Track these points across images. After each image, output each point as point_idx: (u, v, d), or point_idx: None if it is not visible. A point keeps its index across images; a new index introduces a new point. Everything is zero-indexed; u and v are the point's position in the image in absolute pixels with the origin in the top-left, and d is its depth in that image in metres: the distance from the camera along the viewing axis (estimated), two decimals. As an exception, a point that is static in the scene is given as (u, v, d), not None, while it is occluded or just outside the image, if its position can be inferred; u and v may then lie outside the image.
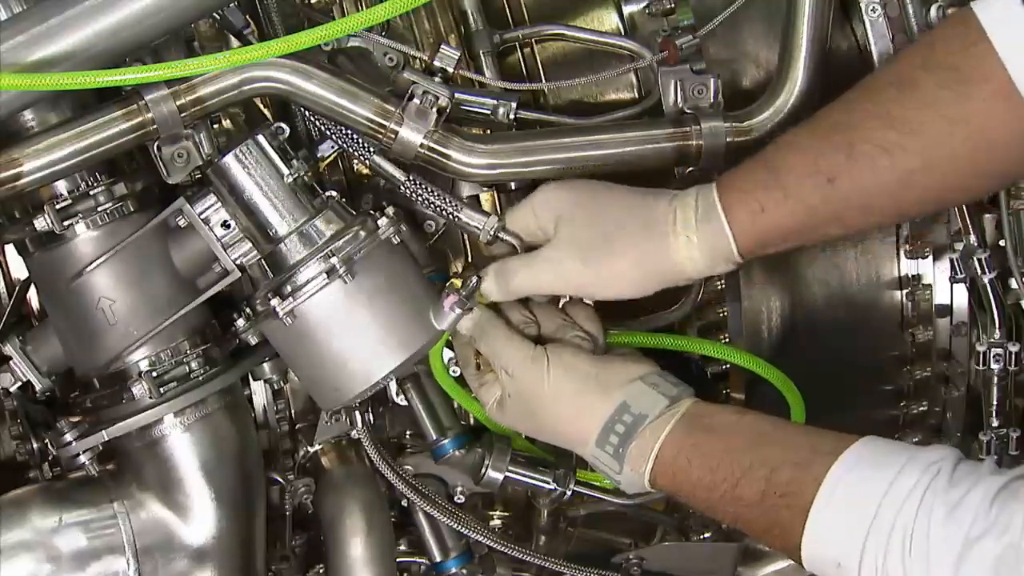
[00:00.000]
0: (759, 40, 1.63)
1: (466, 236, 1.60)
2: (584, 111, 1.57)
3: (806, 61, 1.46)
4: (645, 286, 1.34)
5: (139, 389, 1.40)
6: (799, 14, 1.45)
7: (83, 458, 1.43)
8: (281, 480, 1.65)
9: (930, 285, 1.73)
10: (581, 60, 1.62)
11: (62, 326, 1.45)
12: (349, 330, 1.34)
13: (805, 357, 1.70)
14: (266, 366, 1.58)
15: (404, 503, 1.67)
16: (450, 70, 1.43)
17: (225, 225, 1.37)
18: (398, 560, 1.72)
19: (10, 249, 1.60)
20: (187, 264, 1.40)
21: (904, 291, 1.73)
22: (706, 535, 1.78)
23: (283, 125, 1.38)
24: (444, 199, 1.44)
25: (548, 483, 1.58)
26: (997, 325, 1.67)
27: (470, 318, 1.36)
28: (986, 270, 1.65)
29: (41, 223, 1.35)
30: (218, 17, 1.40)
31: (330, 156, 1.50)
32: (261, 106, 1.55)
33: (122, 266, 1.39)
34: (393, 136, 1.39)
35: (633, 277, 1.32)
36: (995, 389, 1.69)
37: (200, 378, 1.44)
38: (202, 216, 1.37)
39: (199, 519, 1.44)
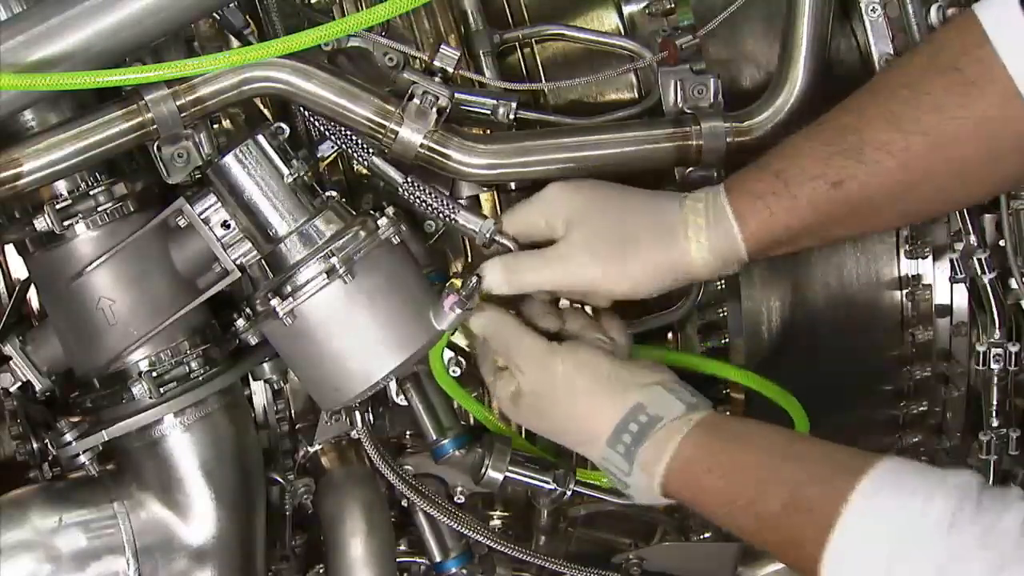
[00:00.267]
0: (759, 40, 1.63)
1: (466, 236, 1.60)
2: (584, 111, 1.57)
3: (806, 61, 1.46)
4: (654, 288, 1.34)
5: (139, 389, 1.40)
6: (799, 14, 1.45)
7: (83, 458, 1.43)
8: (281, 480, 1.65)
9: (930, 285, 1.73)
10: (581, 60, 1.62)
11: (62, 326, 1.45)
12: (349, 330, 1.34)
13: (805, 357, 1.70)
14: (266, 366, 1.58)
15: (404, 503, 1.67)
16: (450, 70, 1.43)
17: (225, 225, 1.37)
18: (398, 560, 1.72)
19: (10, 249, 1.60)
20: (187, 264, 1.40)
21: (904, 291, 1.72)
22: (706, 535, 1.78)
23: (283, 125, 1.38)
24: (442, 202, 1.44)
25: (548, 483, 1.58)
26: (997, 325, 1.67)
27: (480, 316, 1.35)
28: (986, 270, 1.65)
29: (41, 223, 1.35)
30: (218, 17, 1.40)
31: (330, 156, 1.50)
32: (261, 106, 1.55)
33: (122, 266, 1.39)
34: (393, 136, 1.39)
35: (644, 279, 1.32)
36: (995, 389, 1.69)
37: (200, 378, 1.44)
38: (202, 216, 1.37)
39: (199, 519, 1.44)
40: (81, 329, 1.41)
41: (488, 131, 1.49)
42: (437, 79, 1.41)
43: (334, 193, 1.41)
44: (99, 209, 1.38)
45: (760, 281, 1.65)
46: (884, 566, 1.05)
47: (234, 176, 1.35)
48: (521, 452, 1.60)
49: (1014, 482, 1.77)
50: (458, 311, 1.36)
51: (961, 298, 1.73)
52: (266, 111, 1.56)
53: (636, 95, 1.62)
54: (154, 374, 1.41)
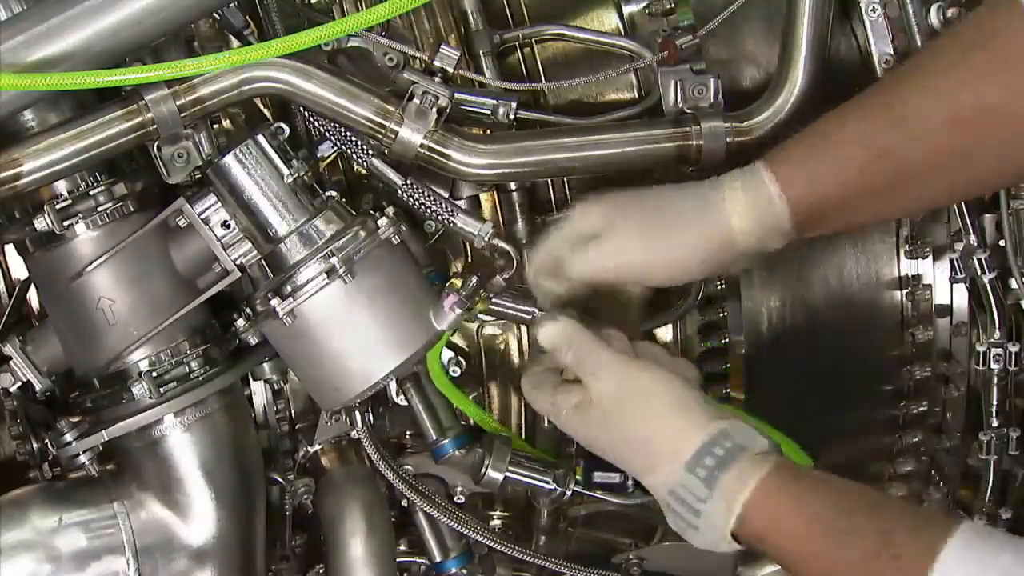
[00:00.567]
0: (759, 40, 1.63)
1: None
2: (584, 111, 1.57)
3: (806, 61, 1.46)
4: (699, 265, 1.29)
5: (139, 389, 1.40)
6: (799, 14, 1.45)
7: (83, 458, 1.43)
8: (281, 480, 1.65)
9: (930, 285, 1.73)
10: (581, 60, 1.62)
11: (62, 326, 1.45)
12: (349, 330, 1.34)
13: (805, 357, 1.70)
14: (266, 366, 1.58)
15: (404, 503, 1.67)
16: (450, 70, 1.43)
17: (225, 225, 1.37)
18: (398, 560, 1.72)
19: (10, 249, 1.60)
20: (187, 264, 1.40)
21: (904, 291, 1.72)
22: (706, 535, 1.77)
23: (283, 125, 1.38)
24: (440, 204, 1.45)
25: (548, 483, 1.58)
26: (997, 325, 1.67)
27: (553, 324, 1.28)
28: (986, 270, 1.65)
29: (41, 223, 1.35)
30: (218, 17, 1.40)
31: (330, 156, 1.50)
32: (261, 106, 1.55)
33: (122, 266, 1.39)
34: (393, 136, 1.39)
35: (689, 255, 1.28)
36: (995, 389, 1.69)
37: (200, 378, 1.44)
38: (202, 216, 1.37)
39: (199, 519, 1.44)
40: (81, 329, 1.41)
41: (488, 131, 1.49)
42: (437, 79, 1.41)
43: (334, 193, 1.41)
44: (99, 209, 1.38)
45: (760, 281, 1.65)
46: None
47: (234, 176, 1.35)
48: (521, 452, 1.60)
49: (1014, 482, 1.77)
50: (458, 311, 1.36)
51: (961, 298, 1.73)
52: (266, 111, 1.56)
53: (636, 95, 1.62)
54: (154, 374, 1.41)
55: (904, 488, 1.83)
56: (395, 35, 1.54)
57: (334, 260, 1.32)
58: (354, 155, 1.44)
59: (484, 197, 1.59)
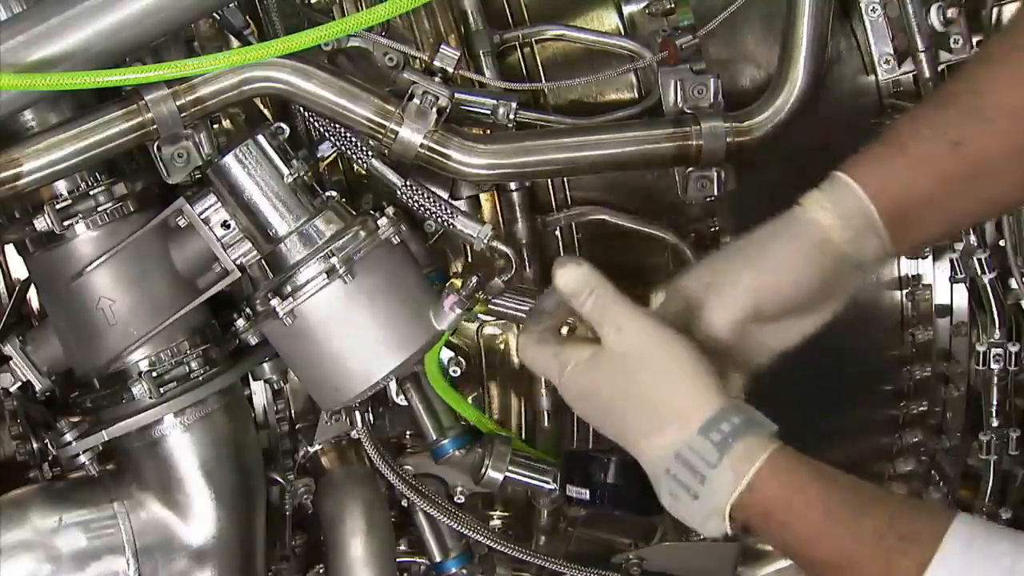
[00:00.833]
0: (759, 40, 1.63)
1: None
2: (584, 111, 1.57)
3: (806, 61, 1.46)
4: (815, 280, 1.23)
5: (139, 389, 1.40)
6: (799, 14, 1.45)
7: (83, 458, 1.43)
8: (281, 480, 1.65)
9: (930, 285, 1.73)
10: (581, 60, 1.62)
11: (62, 326, 1.45)
12: (349, 330, 1.34)
13: (805, 356, 1.70)
14: (266, 366, 1.58)
15: (404, 503, 1.67)
16: (450, 70, 1.43)
17: (225, 225, 1.37)
18: (398, 560, 1.72)
19: (10, 249, 1.60)
20: (187, 264, 1.40)
21: (904, 291, 1.73)
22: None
23: (283, 125, 1.38)
24: (440, 206, 1.45)
25: (548, 483, 1.58)
26: (997, 325, 1.67)
27: (574, 269, 1.19)
28: (986, 270, 1.65)
29: (41, 223, 1.35)
30: (218, 17, 1.40)
31: (330, 156, 1.50)
32: (261, 106, 1.55)
33: (122, 266, 1.39)
34: (393, 136, 1.39)
35: (800, 269, 1.22)
36: (995, 389, 1.69)
37: (200, 378, 1.44)
38: (202, 216, 1.37)
39: (199, 519, 1.44)
40: (81, 329, 1.41)
41: (488, 131, 1.49)
42: (437, 79, 1.41)
43: (334, 193, 1.41)
44: (99, 209, 1.38)
45: (760, 281, 1.65)
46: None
47: (234, 176, 1.35)
48: (521, 452, 1.60)
49: (1014, 482, 1.77)
50: (458, 311, 1.36)
51: (961, 298, 1.73)
52: (266, 111, 1.56)
53: (636, 95, 1.62)
54: (154, 374, 1.41)
55: (904, 488, 1.83)
56: (395, 35, 1.55)
57: (334, 260, 1.32)
58: (354, 156, 1.44)
59: (484, 197, 1.59)
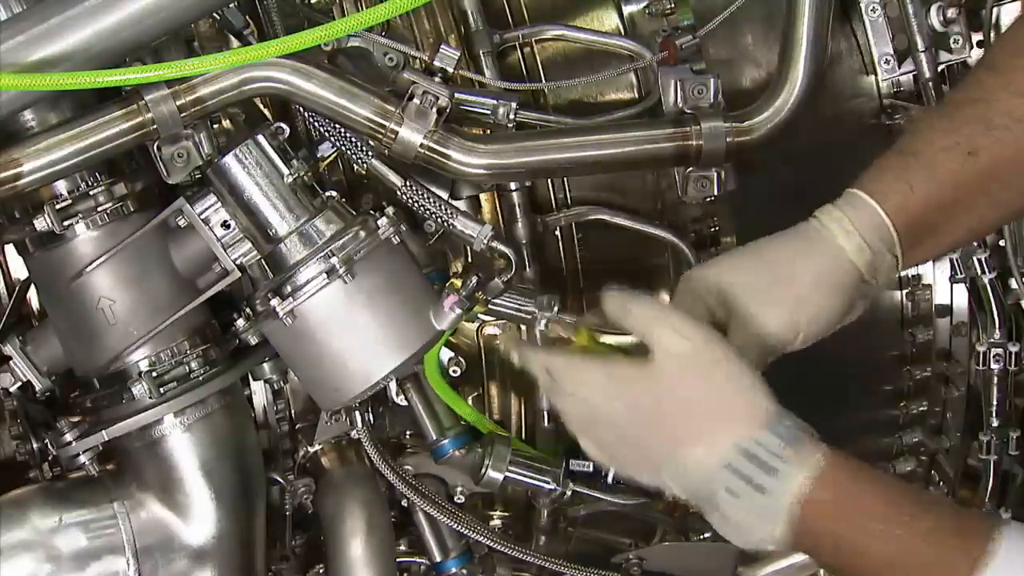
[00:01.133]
0: (759, 40, 1.63)
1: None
2: (584, 111, 1.57)
3: (806, 61, 1.45)
4: (835, 303, 1.23)
5: (139, 389, 1.40)
6: (799, 14, 1.45)
7: (83, 458, 1.43)
8: (281, 480, 1.65)
9: (930, 285, 1.73)
10: (581, 60, 1.62)
11: (62, 326, 1.45)
12: (349, 330, 1.34)
13: (804, 356, 1.70)
14: (266, 366, 1.58)
15: (404, 503, 1.67)
16: (450, 70, 1.43)
17: (225, 225, 1.37)
18: (398, 560, 1.72)
19: (10, 249, 1.60)
20: (187, 264, 1.40)
21: (904, 291, 1.73)
22: (706, 535, 1.78)
23: (283, 125, 1.38)
24: (439, 206, 1.45)
25: (548, 483, 1.58)
26: (997, 325, 1.67)
27: (622, 293, 1.17)
28: (986, 270, 1.65)
29: (41, 223, 1.35)
30: (218, 17, 1.40)
31: (330, 156, 1.50)
32: (261, 106, 1.55)
33: (122, 266, 1.39)
34: (393, 136, 1.39)
35: (821, 295, 1.22)
36: (995, 389, 1.69)
37: (200, 378, 1.44)
38: (202, 216, 1.37)
39: (199, 519, 1.44)
40: (81, 329, 1.41)
41: (488, 131, 1.49)
42: (437, 79, 1.41)
43: (334, 193, 1.41)
44: (99, 209, 1.38)
45: (760, 281, 1.65)
46: None
47: (234, 176, 1.35)
48: (521, 452, 1.60)
49: (1014, 482, 1.77)
50: (458, 311, 1.36)
51: (961, 298, 1.73)
52: (266, 111, 1.56)
53: (636, 95, 1.62)
54: (154, 374, 1.41)
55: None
56: (395, 35, 1.55)
57: (334, 260, 1.32)
58: (354, 156, 1.44)
59: (484, 197, 1.59)
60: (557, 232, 1.63)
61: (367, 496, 1.63)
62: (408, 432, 1.69)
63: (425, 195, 1.45)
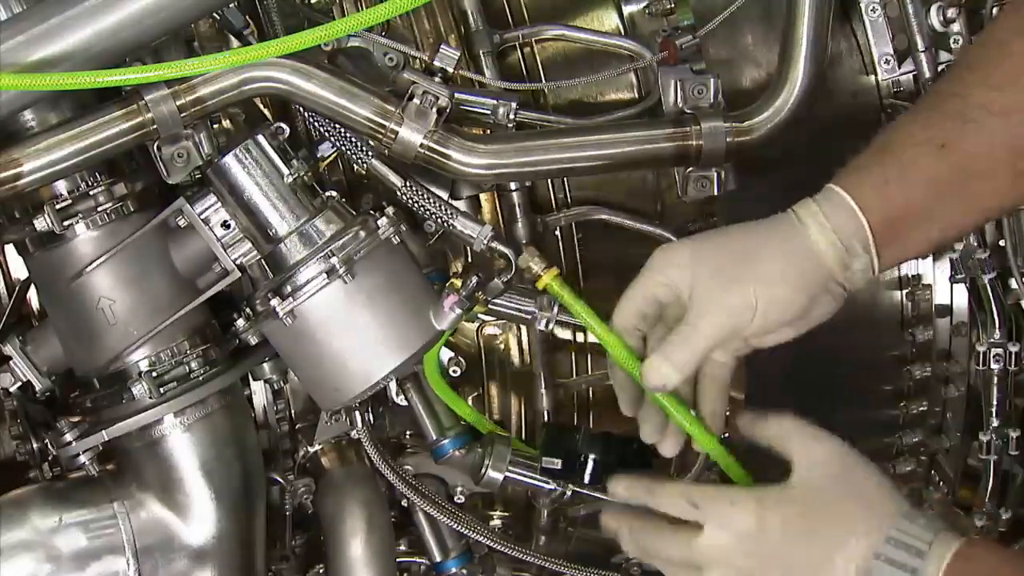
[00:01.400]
0: (759, 40, 1.63)
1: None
2: (584, 111, 1.57)
3: (806, 61, 1.45)
4: (800, 296, 1.22)
5: (139, 389, 1.40)
6: (799, 14, 1.45)
7: (83, 458, 1.43)
8: (281, 480, 1.65)
9: (930, 285, 1.73)
10: (581, 60, 1.62)
11: (62, 326, 1.45)
12: (349, 330, 1.34)
13: (805, 357, 1.70)
14: (266, 366, 1.58)
15: (404, 503, 1.67)
16: (450, 70, 1.43)
17: (225, 225, 1.37)
18: (398, 560, 1.72)
19: (10, 249, 1.61)
20: (187, 264, 1.40)
21: (904, 291, 1.72)
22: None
23: (283, 125, 1.38)
24: (439, 207, 1.45)
25: (548, 483, 1.58)
26: (997, 325, 1.67)
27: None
28: (986, 270, 1.65)
29: (41, 223, 1.35)
30: (218, 17, 1.40)
31: (330, 156, 1.50)
32: (261, 106, 1.55)
33: (122, 266, 1.39)
34: (393, 136, 1.39)
35: (786, 284, 1.21)
36: (995, 389, 1.69)
37: (200, 378, 1.44)
38: (202, 216, 1.37)
39: (199, 519, 1.44)
40: (81, 329, 1.41)
41: (488, 131, 1.49)
42: (437, 79, 1.41)
43: (334, 193, 1.41)
44: (99, 209, 1.38)
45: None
46: None
47: (234, 176, 1.35)
48: (521, 452, 1.60)
49: (1014, 482, 1.77)
50: (458, 311, 1.36)
51: (961, 298, 1.73)
52: (266, 111, 1.56)
53: (636, 95, 1.62)
54: (154, 374, 1.41)
55: (904, 488, 1.83)
56: (395, 35, 1.55)
57: (334, 260, 1.32)
58: (354, 156, 1.44)
59: (484, 197, 1.59)
60: (557, 232, 1.63)
61: (367, 496, 1.63)
62: (408, 432, 1.69)
63: (425, 195, 1.45)
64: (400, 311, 1.35)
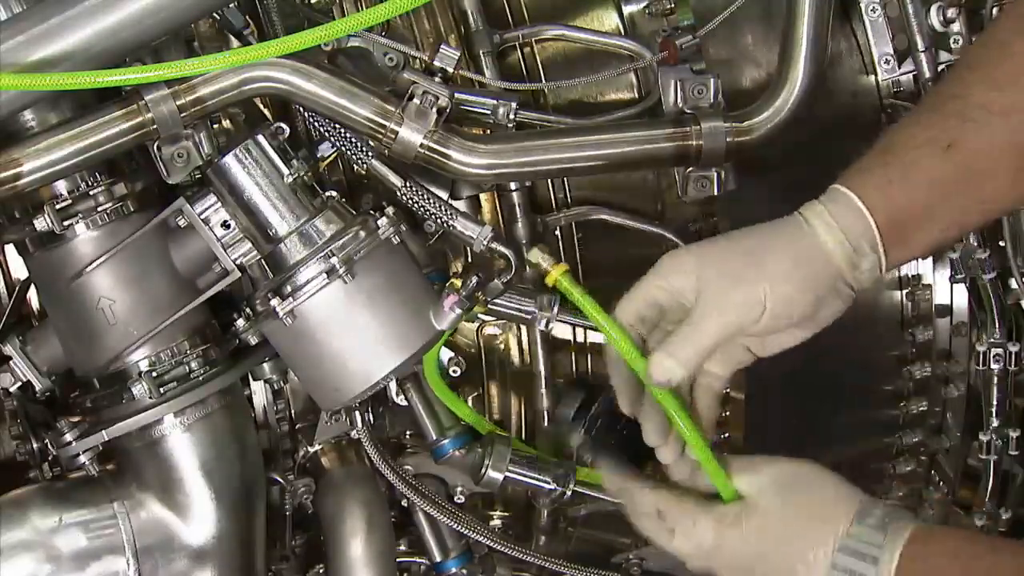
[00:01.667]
0: (759, 40, 1.63)
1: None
2: (584, 111, 1.57)
3: (806, 61, 1.45)
4: (807, 296, 1.22)
5: (139, 389, 1.40)
6: (799, 14, 1.45)
7: (83, 458, 1.43)
8: (281, 480, 1.65)
9: (930, 285, 1.73)
10: (581, 60, 1.62)
11: (62, 326, 1.45)
12: (349, 330, 1.34)
13: (805, 356, 1.70)
14: (266, 366, 1.58)
15: (404, 503, 1.67)
16: (450, 70, 1.43)
17: (225, 225, 1.37)
18: (398, 560, 1.72)
19: (10, 249, 1.60)
20: (187, 264, 1.40)
21: (904, 291, 1.73)
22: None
23: (283, 125, 1.38)
24: (439, 207, 1.45)
25: (548, 483, 1.58)
26: (997, 325, 1.67)
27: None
28: (986, 270, 1.65)
29: (41, 223, 1.35)
30: (218, 17, 1.40)
31: (330, 156, 1.50)
32: (261, 106, 1.55)
33: (122, 266, 1.39)
34: (393, 136, 1.39)
35: (794, 284, 1.21)
36: (995, 389, 1.69)
37: (200, 378, 1.44)
38: (202, 216, 1.37)
39: (199, 519, 1.44)
40: (81, 329, 1.41)
41: (488, 131, 1.49)
42: (437, 79, 1.41)
43: (334, 193, 1.41)
44: (99, 209, 1.38)
45: (760, 281, 1.65)
46: None
47: (234, 176, 1.35)
48: (521, 452, 1.60)
49: (1014, 482, 1.77)
50: (458, 311, 1.36)
51: (961, 298, 1.73)
52: (266, 111, 1.56)
53: (636, 95, 1.62)
54: (154, 374, 1.41)
55: (904, 488, 1.83)
56: (395, 35, 1.55)
57: (334, 260, 1.32)
58: (354, 156, 1.44)
59: (484, 197, 1.59)
60: (557, 232, 1.63)
61: (367, 496, 1.63)
62: (408, 432, 1.69)
63: (425, 196, 1.45)
64: (400, 311, 1.35)
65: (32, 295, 1.60)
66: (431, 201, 1.45)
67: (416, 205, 1.45)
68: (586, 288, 1.22)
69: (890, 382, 1.77)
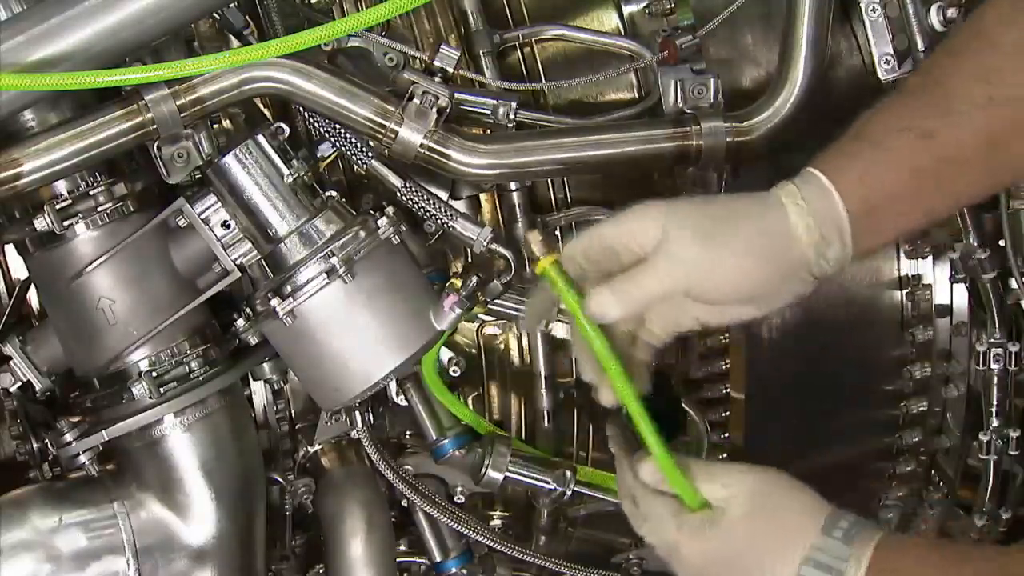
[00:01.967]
0: (759, 40, 1.63)
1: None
2: (584, 111, 1.57)
3: (806, 61, 1.46)
4: (766, 273, 1.19)
5: (139, 389, 1.40)
6: (799, 14, 1.45)
7: (83, 458, 1.43)
8: (281, 480, 1.65)
9: (930, 285, 1.73)
10: (581, 60, 1.62)
11: (62, 326, 1.45)
12: (349, 330, 1.34)
13: (805, 356, 1.70)
14: (266, 366, 1.58)
15: (404, 503, 1.67)
16: (450, 70, 1.43)
17: (225, 225, 1.37)
18: (398, 560, 1.72)
19: (10, 249, 1.61)
20: (187, 264, 1.40)
21: (904, 291, 1.72)
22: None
23: (283, 125, 1.39)
24: (439, 208, 1.45)
25: (548, 483, 1.58)
26: (997, 325, 1.67)
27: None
28: (986, 270, 1.65)
29: (41, 223, 1.35)
30: (218, 17, 1.40)
31: (330, 156, 1.50)
32: (261, 106, 1.56)
33: (122, 266, 1.39)
34: (393, 136, 1.39)
35: (755, 258, 1.19)
36: (995, 389, 1.69)
37: (200, 378, 1.44)
38: (202, 216, 1.37)
39: (199, 519, 1.44)
40: (81, 329, 1.41)
41: (488, 131, 1.49)
42: (437, 79, 1.41)
43: (334, 193, 1.41)
44: (99, 209, 1.38)
45: (760, 281, 1.65)
46: None
47: (234, 176, 1.35)
48: (521, 452, 1.60)
49: (1014, 482, 1.77)
50: (458, 311, 1.36)
51: (961, 298, 1.73)
52: (266, 111, 1.56)
53: (636, 95, 1.62)
54: (154, 374, 1.41)
55: (904, 488, 1.83)
56: (395, 35, 1.55)
57: (334, 260, 1.32)
58: (354, 156, 1.44)
59: (484, 198, 1.59)
60: (557, 232, 1.63)
61: (367, 496, 1.63)
62: (408, 432, 1.69)
63: (425, 196, 1.45)
64: (400, 311, 1.35)
65: (32, 295, 1.60)
66: (431, 201, 1.45)
67: (416, 205, 1.45)
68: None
69: (890, 382, 1.77)
